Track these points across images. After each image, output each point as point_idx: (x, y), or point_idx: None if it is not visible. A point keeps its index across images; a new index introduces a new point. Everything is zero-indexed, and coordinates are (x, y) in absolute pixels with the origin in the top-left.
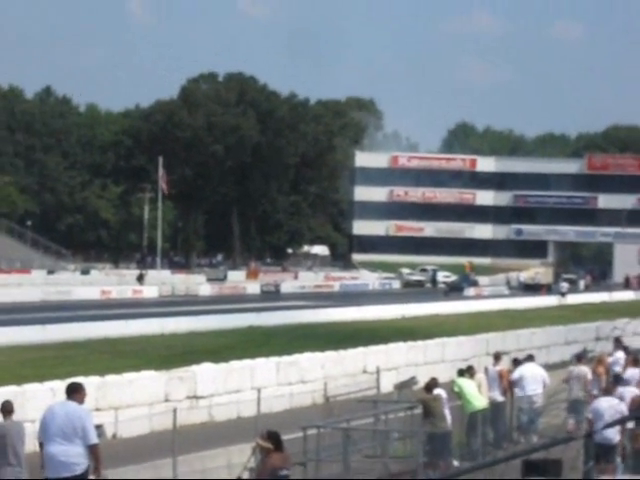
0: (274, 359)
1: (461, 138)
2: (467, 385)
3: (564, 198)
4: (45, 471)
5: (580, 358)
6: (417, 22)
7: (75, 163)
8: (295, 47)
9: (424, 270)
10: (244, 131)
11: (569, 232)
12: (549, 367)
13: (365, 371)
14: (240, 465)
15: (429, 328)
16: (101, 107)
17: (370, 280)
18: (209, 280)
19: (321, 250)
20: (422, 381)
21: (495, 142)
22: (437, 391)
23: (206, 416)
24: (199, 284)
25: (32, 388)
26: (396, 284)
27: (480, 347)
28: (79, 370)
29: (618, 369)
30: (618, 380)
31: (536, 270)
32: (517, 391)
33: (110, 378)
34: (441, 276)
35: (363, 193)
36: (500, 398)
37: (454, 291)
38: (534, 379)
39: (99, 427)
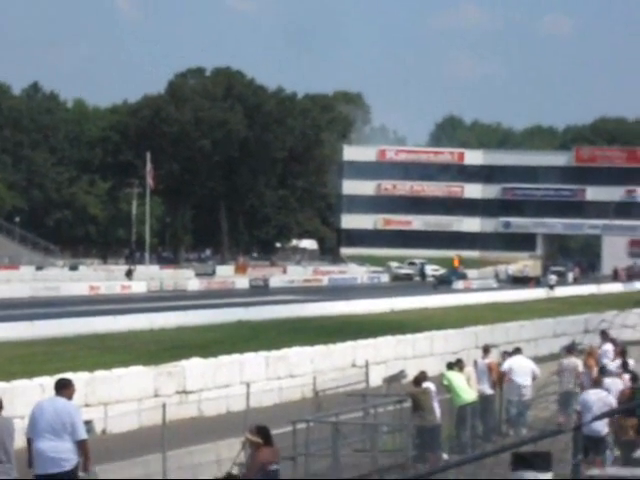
0: (263, 353)
1: (449, 131)
2: (456, 378)
3: (552, 191)
4: (34, 467)
5: (571, 350)
6: (405, 16)
7: (63, 159)
8: (282, 42)
9: (412, 263)
10: (231, 126)
11: (557, 225)
12: (538, 360)
13: (354, 365)
14: (229, 460)
15: (418, 321)
16: (88, 103)
17: (359, 274)
18: (198, 275)
19: (309, 244)
20: (411, 375)
21: (483, 135)
22: (426, 384)
23: (195, 411)
24: (187, 279)
25: (21, 384)
26: (385, 278)
27: (469, 340)
28: (68, 366)
29: (607, 361)
30: (604, 372)
31: (524, 263)
32: (506, 383)
33: (99, 374)
34: (430, 269)
35: (351, 187)
36: (489, 391)
37: (443, 284)
38: (523, 371)
39: (88, 423)
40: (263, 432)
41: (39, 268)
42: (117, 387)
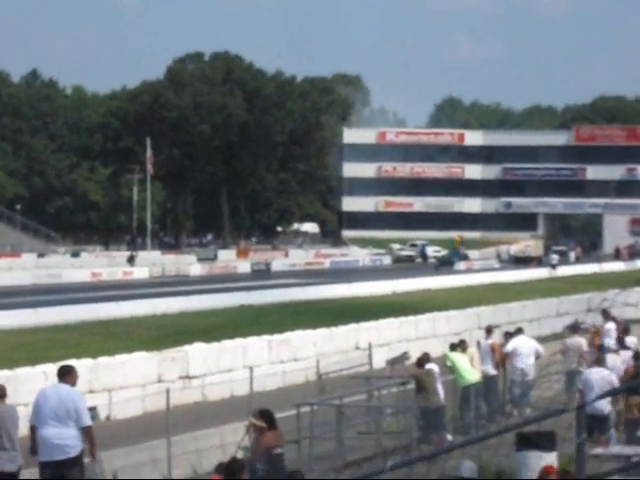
0: (266, 337)
1: (448, 112)
2: (459, 359)
3: (552, 170)
4: (39, 454)
5: (575, 329)
6: None
7: (63, 146)
8: (281, 25)
9: (414, 245)
10: (231, 110)
11: (558, 204)
12: (541, 339)
13: (357, 347)
14: (234, 444)
15: (420, 303)
16: (87, 89)
17: (360, 256)
18: (199, 260)
19: (311, 227)
20: (414, 356)
21: (482, 116)
22: (429, 366)
23: (199, 396)
24: (189, 264)
25: (24, 372)
26: (386, 260)
27: (471, 321)
28: (71, 353)
29: (609, 340)
30: (604, 350)
31: (526, 243)
32: (510, 364)
33: (103, 360)
34: (431, 251)
35: (352, 169)
36: (493, 372)
37: (445, 266)
38: (526, 352)
39: (92, 409)
40: (267, 416)
41: (41, 255)
42: (121, 373)
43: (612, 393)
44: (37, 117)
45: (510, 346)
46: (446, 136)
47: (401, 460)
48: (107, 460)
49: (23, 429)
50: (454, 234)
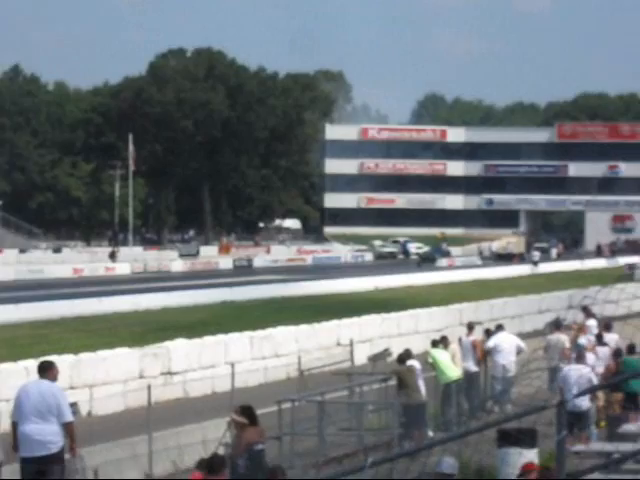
0: (248, 333)
1: (431, 109)
2: (441, 356)
3: (535, 167)
4: (20, 450)
5: (557, 326)
6: None
7: (45, 141)
8: (264, 22)
9: (396, 242)
10: (213, 106)
11: (540, 201)
12: (522, 336)
13: (339, 344)
14: (215, 440)
15: (402, 300)
16: (70, 85)
17: (342, 253)
18: (181, 256)
19: (293, 224)
20: (396, 353)
21: (465, 112)
22: (411, 362)
23: (181, 392)
24: (171, 260)
25: (6, 368)
26: (368, 256)
27: (453, 317)
28: (53, 349)
29: (590, 337)
30: (579, 348)
31: (508, 240)
32: (491, 360)
33: (84, 356)
34: (413, 247)
35: (334, 166)
36: (474, 368)
37: (427, 262)
38: (508, 348)
39: (73, 405)
40: (248, 412)
41: (22, 251)
42: (102, 369)
43: (592, 390)
44: (19, 113)
45: (492, 342)
46: (428, 133)
47: (382, 457)
48: (88, 456)
49: (5, 425)
50: (436, 231)
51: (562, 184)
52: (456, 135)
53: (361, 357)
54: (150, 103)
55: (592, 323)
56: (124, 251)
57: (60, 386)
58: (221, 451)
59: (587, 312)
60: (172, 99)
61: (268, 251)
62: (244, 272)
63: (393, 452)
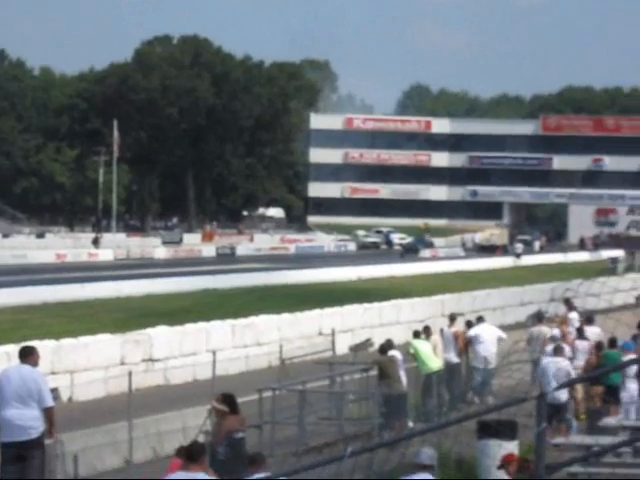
0: (230, 321)
1: (416, 100)
2: (422, 347)
3: (519, 159)
4: (0, 435)
5: (540, 319)
6: None
7: (30, 126)
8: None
9: (379, 232)
10: (199, 93)
11: (524, 193)
12: (504, 328)
13: (321, 333)
14: (196, 428)
15: (385, 290)
16: (55, 70)
17: (325, 242)
18: (165, 243)
19: (277, 212)
20: (378, 343)
21: (450, 104)
22: (392, 353)
23: (162, 379)
24: (154, 247)
25: None
26: (351, 246)
27: (435, 308)
28: (35, 334)
29: (572, 330)
30: (554, 340)
31: (491, 231)
32: (473, 351)
33: (66, 342)
34: (396, 238)
35: (318, 155)
36: (455, 359)
37: (410, 253)
38: (489, 339)
39: (54, 390)
40: (229, 400)
41: (5, 236)
42: (84, 355)
43: (573, 382)
44: (4, 97)
45: (473, 331)
46: (413, 123)
47: (361, 446)
48: (68, 442)
49: None
50: (420, 221)
51: (546, 177)
52: (441, 126)
53: (343, 347)
54: (135, 90)
55: (574, 316)
56: (107, 237)
57: (41, 371)
58: (201, 439)
59: (569, 305)
60: (157, 86)
61: (251, 239)
62: (227, 260)
63: (373, 442)
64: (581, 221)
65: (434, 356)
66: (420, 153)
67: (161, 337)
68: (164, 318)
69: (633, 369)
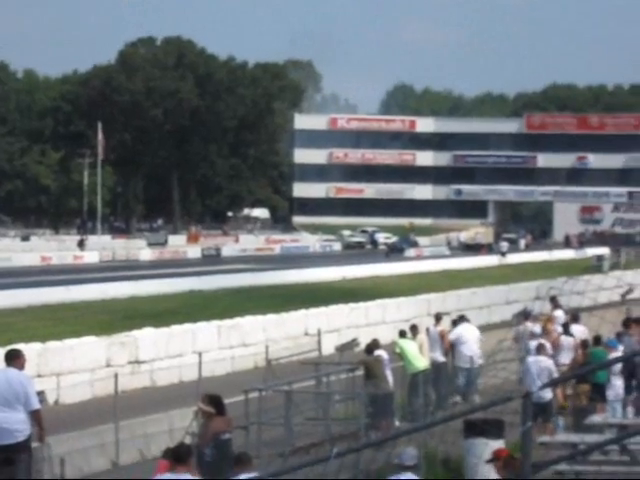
0: (215, 323)
1: (400, 99)
2: (408, 346)
3: (503, 158)
4: None
5: (526, 317)
6: None
7: (14, 129)
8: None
9: (364, 232)
10: (183, 95)
11: (509, 192)
12: (490, 327)
13: (307, 333)
14: (182, 429)
15: (370, 289)
16: (39, 73)
17: (311, 242)
18: (150, 245)
19: (262, 213)
20: (364, 343)
21: (434, 103)
22: (378, 352)
23: (148, 381)
24: (140, 249)
25: None
26: (337, 246)
27: (421, 308)
28: (20, 337)
29: (559, 328)
30: (535, 335)
31: (476, 230)
32: (457, 351)
33: (51, 344)
34: (382, 237)
35: (303, 155)
36: (441, 358)
37: (395, 252)
38: (473, 339)
39: (40, 393)
40: (215, 401)
41: None
42: (69, 357)
43: (558, 381)
44: None
45: (454, 335)
46: (397, 123)
47: (347, 447)
48: (55, 444)
49: None
50: (405, 221)
51: (531, 175)
52: (425, 125)
53: (329, 347)
54: (119, 91)
55: (559, 314)
56: (92, 239)
57: (27, 374)
58: (188, 440)
59: (555, 303)
60: (141, 88)
61: (236, 240)
62: (212, 261)
63: (359, 442)
64: (566, 219)
65: (420, 355)
66: (405, 152)
67: (147, 339)
68: (150, 320)
69: (618, 366)
